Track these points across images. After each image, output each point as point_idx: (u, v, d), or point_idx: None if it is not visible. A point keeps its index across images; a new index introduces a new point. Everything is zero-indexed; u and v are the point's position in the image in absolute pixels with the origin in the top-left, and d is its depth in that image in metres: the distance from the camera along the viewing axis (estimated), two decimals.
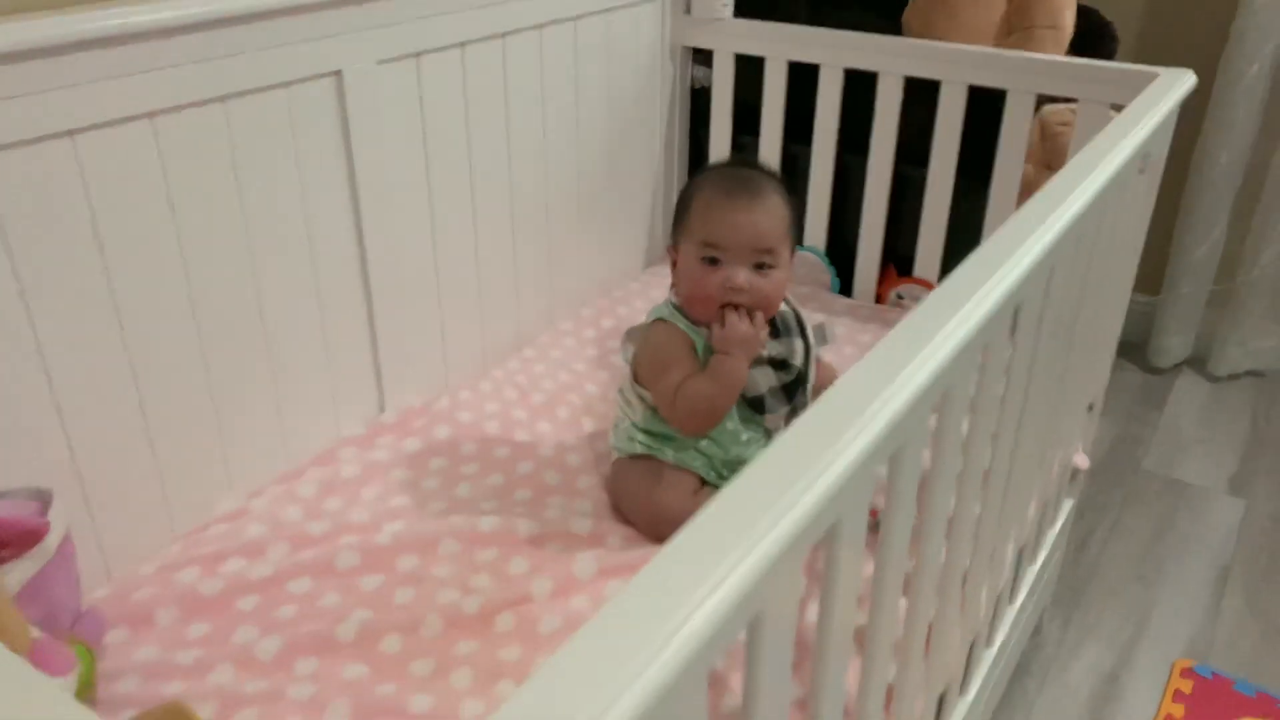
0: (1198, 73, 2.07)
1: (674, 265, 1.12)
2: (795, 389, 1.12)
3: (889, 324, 1.56)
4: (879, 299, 1.64)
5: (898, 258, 1.63)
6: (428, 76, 1.22)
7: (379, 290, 1.24)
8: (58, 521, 0.76)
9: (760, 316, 1.06)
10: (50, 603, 0.74)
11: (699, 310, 1.08)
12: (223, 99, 1.00)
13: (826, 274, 1.67)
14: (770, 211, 1.06)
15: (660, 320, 1.11)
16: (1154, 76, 1.28)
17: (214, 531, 1.06)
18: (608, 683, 0.37)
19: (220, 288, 1.05)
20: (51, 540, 0.74)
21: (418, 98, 1.22)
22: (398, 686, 0.87)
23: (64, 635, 0.76)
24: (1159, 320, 2.29)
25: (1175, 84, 1.26)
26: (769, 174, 1.12)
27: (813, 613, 0.93)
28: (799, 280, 1.70)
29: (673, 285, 1.14)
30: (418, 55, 1.20)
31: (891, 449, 0.63)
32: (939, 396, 0.72)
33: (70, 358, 0.93)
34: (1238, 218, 2.17)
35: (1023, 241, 0.82)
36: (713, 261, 1.05)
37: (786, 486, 0.49)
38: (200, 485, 1.09)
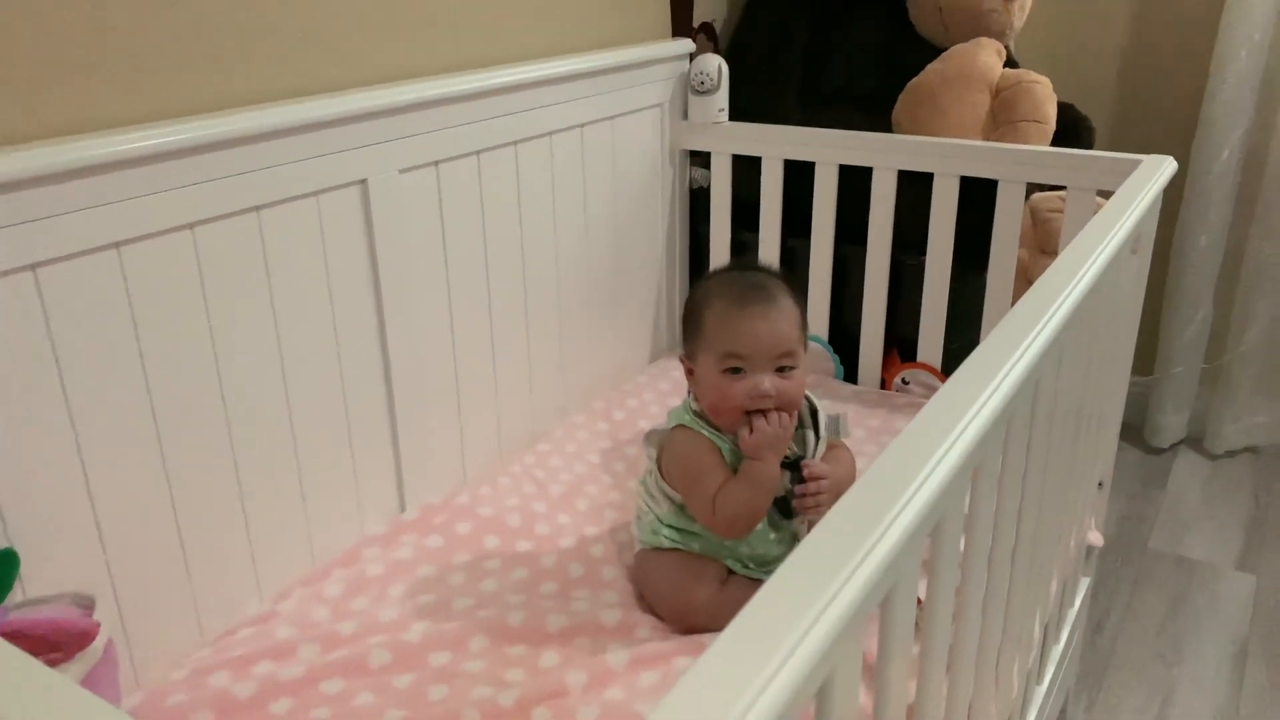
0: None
1: (689, 374, 1.12)
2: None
3: (896, 409, 1.59)
4: (884, 384, 1.67)
5: (900, 343, 1.67)
6: (446, 182, 1.27)
7: (400, 389, 1.26)
8: (103, 624, 0.77)
9: (785, 415, 1.06)
10: None
11: (723, 419, 1.08)
12: (257, 209, 1.04)
13: (831, 362, 1.70)
14: (786, 316, 1.07)
15: (682, 427, 1.11)
16: (1137, 164, 1.35)
17: (243, 634, 1.06)
18: None
19: (250, 391, 1.07)
20: (100, 641, 0.75)
21: (437, 203, 1.27)
22: None
23: None
24: (1154, 400, 2.33)
25: (1158, 170, 1.33)
26: (776, 276, 1.13)
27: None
28: None
29: (690, 393, 1.14)
30: (437, 164, 1.25)
31: (933, 523, 0.65)
32: (973, 471, 0.74)
33: (109, 464, 0.94)
34: (1221, 298, 2.23)
35: (1038, 321, 0.86)
36: (735, 371, 1.06)
37: (847, 556, 0.51)
38: (228, 589, 1.08)
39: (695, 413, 1.11)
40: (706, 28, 1.78)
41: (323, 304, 1.14)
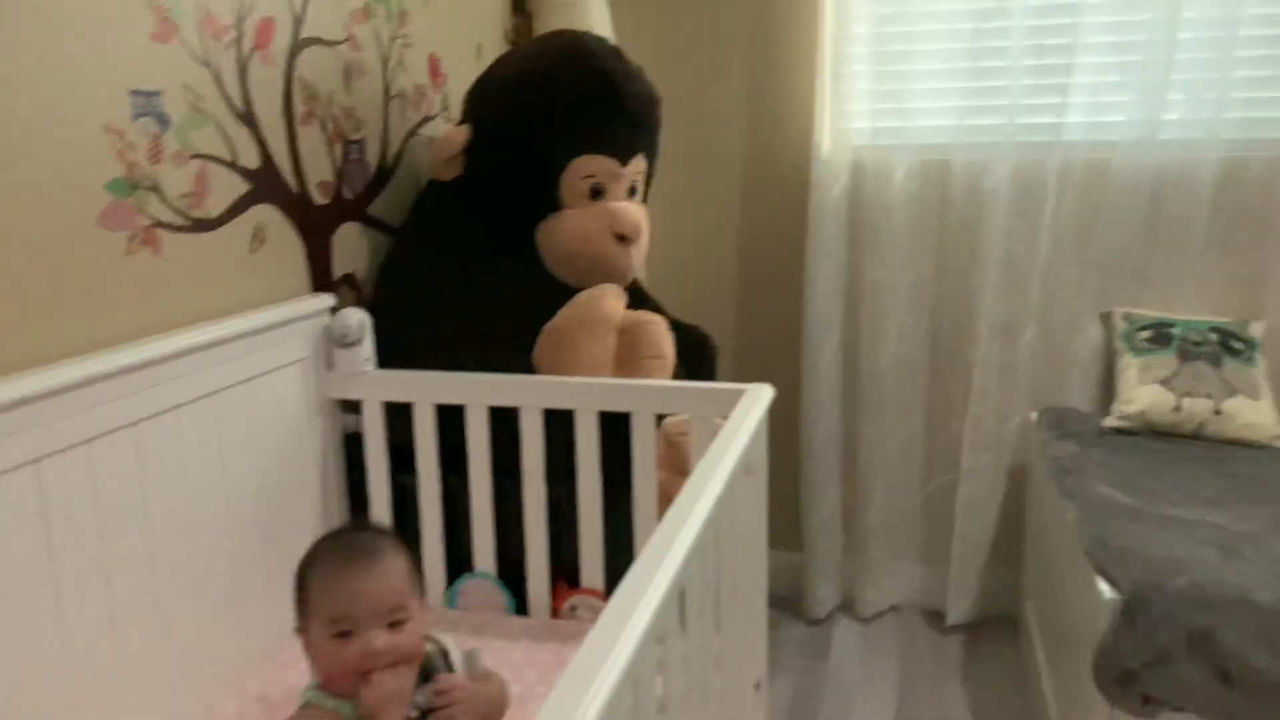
0: (784, 370, 2.48)
1: (306, 645, 1.12)
2: None
3: (567, 638, 1.62)
4: (555, 613, 1.70)
5: (566, 570, 1.71)
6: (50, 481, 1.17)
7: None
8: None
9: (403, 668, 1.07)
10: None
11: (343, 685, 1.07)
12: None
13: (502, 597, 1.71)
14: (391, 569, 1.10)
15: (306, 706, 1.09)
16: (741, 393, 1.53)
17: None
18: None
19: None
20: None
21: (38, 505, 1.15)
22: None
23: None
24: (808, 574, 2.55)
25: (758, 398, 1.51)
26: (379, 531, 1.18)
27: None
28: (475, 607, 1.73)
29: (310, 666, 1.13)
30: (37, 461, 1.15)
31: None
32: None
33: None
34: (847, 480, 2.53)
35: (663, 557, 0.96)
36: (345, 634, 1.06)
37: None
38: None
39: (317, 687, 1.10)
40: (348, 279, 1.82)
41: None
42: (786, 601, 2.59)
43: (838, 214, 2.37)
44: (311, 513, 1.68)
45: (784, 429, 2.49)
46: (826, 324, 2.40)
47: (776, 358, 2.53)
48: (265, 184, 1.59)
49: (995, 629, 2.46)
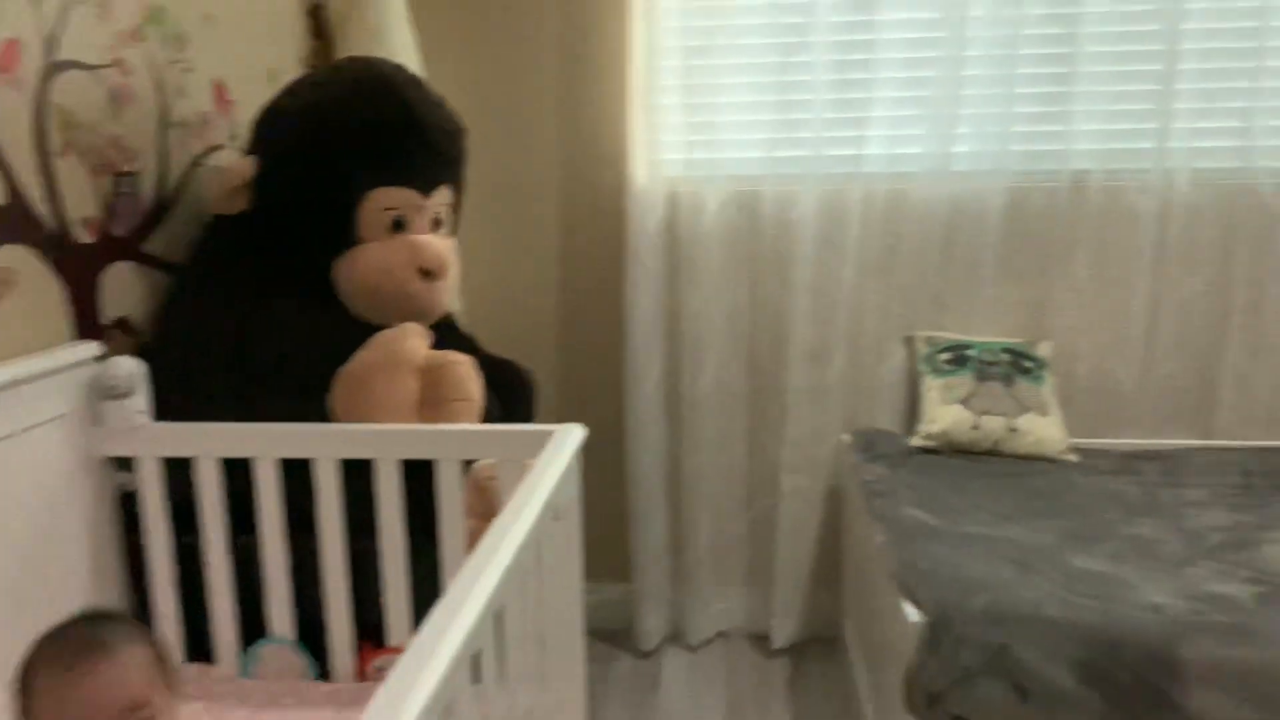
0: (608, 401, 2.45)
1: None
2: None
3: None
4: (360, 676, 1.60)
5: (371, 629, 1.61)
6: None
7: None
8: None
9: None
10: None
11: None
12: None
13: (301, 661, 1.59)
14: (124, 662, 1.00)
15: None
16: (550, 435, 1.48)
17: None
18: None
19: None
20: None
21: None
22: None
23: None
24: (637, 605, 2.53)
25: (567, 439, 1.47)
26: (110, 618, 1.07)
27: None
28: (273, 674, 1.60)
29: None
30: None
31: None
32: None
33: None
34: (674, 508, 2.52)
35: (450, 620, 0.92)
36: None
37: None
38: None
39: None
40: (122, 323, 1.66)
41: None
42: (616, 634, 2.56)
43: (655, 245, 2.37)
44: (81, 584, 1.51)
45: (610, 460, 2.47)
46: (647, 354, 2.39)
47: (600, 390, 2.51)
48: (13, 222, 1.43)
49: (819, 650, 2.51)
